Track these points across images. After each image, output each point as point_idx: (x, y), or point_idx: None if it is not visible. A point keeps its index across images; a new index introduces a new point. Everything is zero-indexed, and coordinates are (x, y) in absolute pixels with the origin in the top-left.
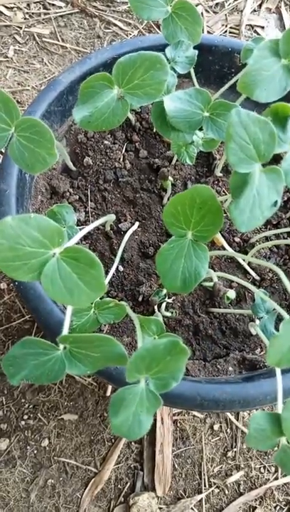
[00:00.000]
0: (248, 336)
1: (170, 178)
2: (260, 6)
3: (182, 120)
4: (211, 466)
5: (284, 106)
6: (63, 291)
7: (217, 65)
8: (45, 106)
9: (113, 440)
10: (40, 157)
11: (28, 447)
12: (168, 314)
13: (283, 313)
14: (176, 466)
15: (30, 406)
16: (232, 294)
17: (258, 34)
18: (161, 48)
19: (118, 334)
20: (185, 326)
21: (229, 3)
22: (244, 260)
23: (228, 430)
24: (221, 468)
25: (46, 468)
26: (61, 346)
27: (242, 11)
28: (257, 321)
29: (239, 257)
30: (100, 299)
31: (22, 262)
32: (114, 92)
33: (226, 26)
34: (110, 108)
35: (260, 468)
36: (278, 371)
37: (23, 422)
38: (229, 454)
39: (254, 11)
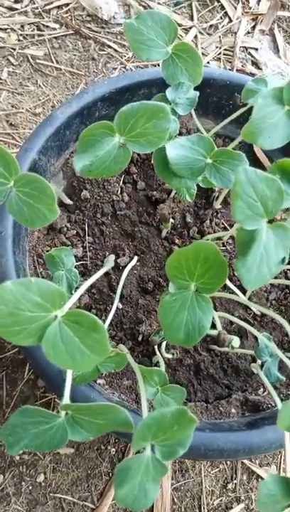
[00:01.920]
0: (250, 375)
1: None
2: (254, 27)
3: (184, 167)
4: (211, 499)
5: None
6: (65, 356)
7: (215, 97)
8: (42, 142)
9: (111, 474)
10: (40, 213)
11: (23, 483)
12: (169, 356)
13: (287, 361)
14: (175, 500)
15: None
16: (236, 342)
17: (252, 56)
18: (159, 81)
19: (117, 377)
20: (186, 365)
21: (223, 26)
22: (244, 294)
23: (228, 461)
24: (221, 501)
25: (42, 505)
26: (62, 413)
27: (235, 33)
28: (259, 361)
29: (240, 299)
30: None
31: (22, 327)
32: (115, 140)
33: (220, 48)
34: (111, 156)
35: None
36: (287, 435)
37: (17, 457)
38: (230, 486)
39: (248, 32)
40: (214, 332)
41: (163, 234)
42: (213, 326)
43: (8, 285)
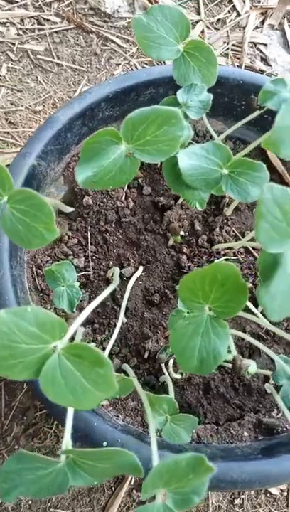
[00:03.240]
0: (263, 394)
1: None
2: (263, 22)
3: (198, 178)
4: None
5: None
6: (65, 392)
7: (226, 98)
8: (41, 146)
9: (113, 488)
10: (37, 232)
11: (23, 498)
12: (178, 376)
13: None
14: None
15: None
16: (253, 367)
17: (261, 52)
18: (168, 80)
19: (122, 398)
20: (195, 384)
21: (231, 20)
22: (257, 308)
23: None
24: None
25: None
26: (62, 456)
27: (244, 28)
28: (271, 382)
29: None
30: None
31: (18, 361)
32: (121, 148)
33: (228, 44)
34: (117, 166)
35: None
36: None
37: None
38: (237, 501)
39: (257, 27)
40: (229, 357)
41: (170, 242)
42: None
43: (1, 315)
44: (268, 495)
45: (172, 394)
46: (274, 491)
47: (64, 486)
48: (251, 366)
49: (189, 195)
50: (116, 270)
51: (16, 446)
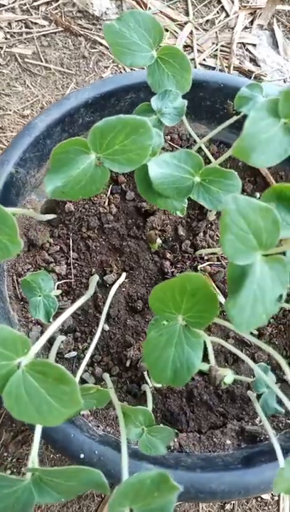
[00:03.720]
0: (247, 402)
1: (158, 225)
2: (252, 22)
3: (169, 186)
4: None
5: (287, 188)
6: (30, 409)
7: (208, 101)
8: (19, 153)
9: (103, 495)
10: (1, 244)
11: None
12: (159, 385)
13: (281, 395)
14: None
15: (14, 459)
16: (229, 378)
17: (250, 52)
18: (148, 85)
19: (104, 407)
20: (178, 392)
21: (220, 21)
22: None
23: None
24: None
25: None
26: (28, 474)
27: (233, 29)
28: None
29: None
30: (80, 383)
31: None
32: (91, 157)
33: (217, 45)
34: (87, 175)
35: None
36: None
37: None
38: (228, 506)
39: (246, 28)
40: (205, 367)
41: (158, 245)
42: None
43: None
44: (259, 499)
45: (150, 404)
46: (265, 495)
47: (29, 503)
48: (228, 376)
49: (162, 203)
50: (94, 278)
51: (5, 454)
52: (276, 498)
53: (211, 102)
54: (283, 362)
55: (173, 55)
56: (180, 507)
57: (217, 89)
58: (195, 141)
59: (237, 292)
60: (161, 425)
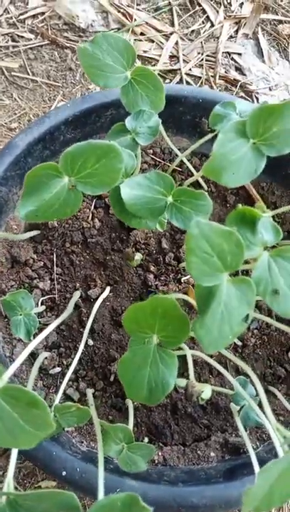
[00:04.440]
0: (231, 413)
1: (142, 237)
2: (237, 32)
3: (142, 207)
4: None
5: (251, 210)
6: (3, 433)
7: (188, 115)
8: (0, 172)
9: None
10: None
11: None
12: None
13: (257, 409)
14: None
15: (5, 473)
16: (207, 393)
17: (235, 61)
18: None
19: (88, 423)
20: (163, 405)
21: (205, 31)
22: None
23: None
24: None
25: None
26: (3, 497)
27: (218, 38)
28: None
29: None
30: (61, 402)
31: None
32: (64, 181)
33: (202, 54)
34: (60, 199)
35: None
36: None
37: None
38: None
39: (231, 37)
40: (182, 383)
41: (138, 262)
42: None
43: None
44: None
45: (132, 419)
46: None
47: None
48: (205, 392)
49: (136, 223)
50: (75, 296)
51: None
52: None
53: (191, 117)
54: (254, 376)
55: (146, 75)
56: None
57: (196, 104)
58: (177, 155)
59: (204, 313)
60: (141, 442)
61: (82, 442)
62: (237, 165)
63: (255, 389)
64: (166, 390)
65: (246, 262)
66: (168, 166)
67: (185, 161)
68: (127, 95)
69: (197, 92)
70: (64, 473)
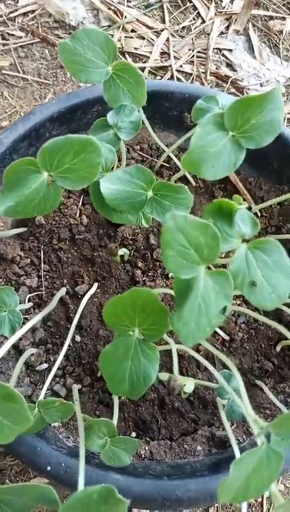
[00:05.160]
0: (218, 407)
1: (129, 234)
2: (227, 28)
3: (123, 202)
4: None
5: (227, 202)
6: None
7: (175, 111)
8: None
9: None
10: None
11: None
12: None
13: (240, 402)
14: None
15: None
16: (189, 387)
17: (226, 58)
18: None
19: (74, 418)
20: (150, 400)
21: (196, 27)
22: None
23: None
24: None
25: None
26: None
27: (209, 34)
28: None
29: None
30: (45, 398)
31: None
32: (43, 176)
33: (193, 51)
34: (40, 194)
35: None
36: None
37: None
38: (211, 510)
39: (222, 33)
40: (165, 377)
41: (126, 258)
42: None
43: None
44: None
45: (116, 414)
46: None
47: None
48: (188, 385)
49: (118, 218)
50: (60, 292)
51: None
52: (259, 499)
53: (178, 112)
54: (234, 369)
55: (128, 70)
56: None
57: (183, 99)
58: (164, 151)
59: (182, 305)
60: (125, 436)
61: (69, 438)
62: (216, 157)
63: (247, 379)
64: (148, 383)
65: (227, 256)
66: (156, 161)
67: (171, 156)
68: (109, 90)
69: (183, 87)
70: (49, 468)
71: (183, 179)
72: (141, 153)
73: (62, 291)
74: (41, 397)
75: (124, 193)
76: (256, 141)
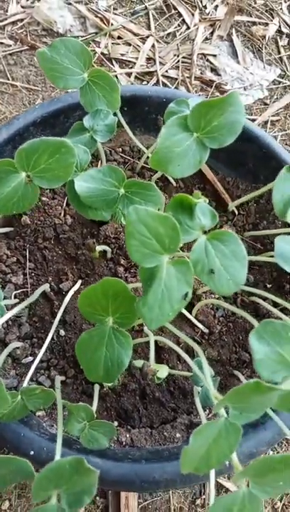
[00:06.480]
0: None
1: (113, 230)
2: (212, 34)
3: (97, 199)
4: None
5: (187, 197)
6: None
7: (153, 114)
8: None
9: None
10: None
11: None
12: (109, 384)
13: (212, 389)
14: None
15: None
16: (162, 373)
17: (210, 63)
18: None
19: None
20: (131, 390)
21: (181, 33)
22: (190, 312)
23: None
24: None
25: None
26: None
27: (193, 40)
28: (199, 389)
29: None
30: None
31: None
32: (21, 176)
33: (178, 56)
34: (18, 193)
35: None
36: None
37: None
38: (198, 501)
39: (206, 39)
40: (139, 364)
41: (109, 255)
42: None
43: None
44: (229, 492)
45: (96, 401)
46: (234, 488)
47: None
48: (161, 371)
49: (93, 214)
50: (43, 286)
51: None
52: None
53: (156, 115)
54: (203, 357)
55: (102, 77)
56: (152, 504)
57: (161, 103)
58: (144, 152)
59: (147, 292)
60: (102, 420)
61: (52, 426)
62: (182, 157)
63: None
64: (121, 369)
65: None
66: (137, 163)
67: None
68: (85, 96)
69: (160, 91)
70: (32, 452)
71: (165, 179)
72: (122, 155)
73: (46, 286)
74: (24, 385)
75: (98, 191)
76: (219, 141)
